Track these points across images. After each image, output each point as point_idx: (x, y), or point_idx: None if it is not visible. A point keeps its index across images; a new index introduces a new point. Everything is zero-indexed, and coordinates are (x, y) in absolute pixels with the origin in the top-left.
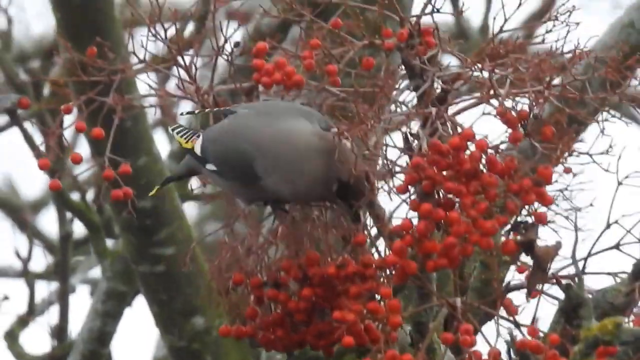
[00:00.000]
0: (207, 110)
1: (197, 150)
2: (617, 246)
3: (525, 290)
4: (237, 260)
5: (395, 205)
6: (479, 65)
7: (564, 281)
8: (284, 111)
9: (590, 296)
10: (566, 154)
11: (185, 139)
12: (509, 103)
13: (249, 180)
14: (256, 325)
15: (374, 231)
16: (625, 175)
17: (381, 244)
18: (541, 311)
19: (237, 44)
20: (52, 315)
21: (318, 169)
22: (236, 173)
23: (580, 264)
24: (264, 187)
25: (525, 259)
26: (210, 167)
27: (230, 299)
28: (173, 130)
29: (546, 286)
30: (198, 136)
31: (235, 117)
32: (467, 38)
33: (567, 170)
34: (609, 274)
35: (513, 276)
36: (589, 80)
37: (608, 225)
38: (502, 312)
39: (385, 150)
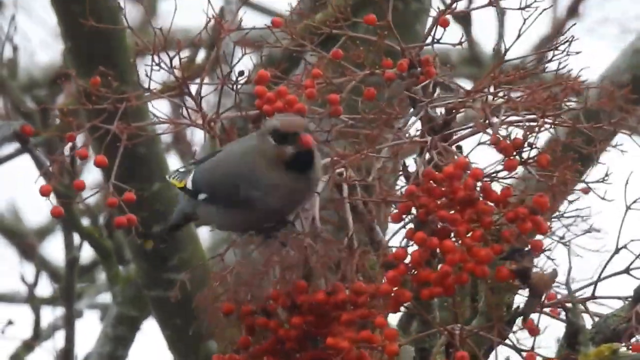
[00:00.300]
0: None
1: (189, 184)
2: (627, 270)
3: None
4: (227, 290)
5: (391, 233)
6: (479, 93)
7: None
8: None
9: (585, 322)
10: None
11: (178, 180)
12: (504, 132)
13: (239, 203)
14: (249, 354)
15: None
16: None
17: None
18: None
19: (241, 73)
20: (57, 340)
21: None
22: (226, 197)
23: (590, 289)
24: (253, 206)
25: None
26: (201, 196)
27: (222, 328)
28: (169, 177)
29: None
30: (189, 174)
31: (226, 147)
32: (481, 63)
33: (586, 191)
34: (619, 298)
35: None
36: (598, 108)
37: (617, 250)
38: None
39: (396, 178)
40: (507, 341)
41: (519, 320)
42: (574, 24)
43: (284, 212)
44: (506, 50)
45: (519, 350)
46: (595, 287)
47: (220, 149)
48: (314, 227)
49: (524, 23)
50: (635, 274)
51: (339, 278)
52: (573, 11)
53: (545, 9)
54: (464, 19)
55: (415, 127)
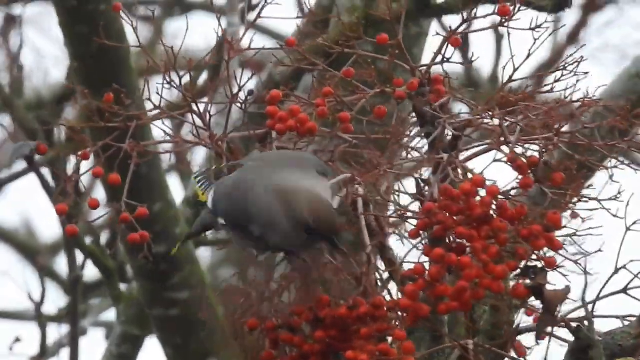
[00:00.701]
0: (222, 166)
1: (209, 204)
2: (625, 290)
3: (534, 333)
4: (251, 306)
5: (406, 249)
6: (490, 113)
7: (573, 324)
8: (279, 163)
9: (599, 338)
10: (575, 200)
11: (202, 190)
12: (519, 150)
13: (251, 237)
14: None
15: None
16: (634, 221)
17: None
18: (550, 354)
19: (250, 92)
20: (63, 357)
21: (283, 222)
22: (240, 230)
23: (590, 307)
24: (265, 241)
25: (534, 302)
26: (221, 221)
27: (245, 344)
28: (195, 177)
29: (555, 329)
30: (211, 189)
31: (240, 172)
32: (477, 87)
33: (575, 216)
34: (617, 317)
35: (522, 319)
36: (597, 127)
37: (616, 270)
38: (513, 354)
39: (398, 196)
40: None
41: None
42: (580, 47)
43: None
44: (515, 70)
45: None
46: (593, 306)
47: (241, 162)
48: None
49: (533, 43)
50: (633, 294)
51: (360, 293)
52: (573, 37)
53: (556, 30)
54: (463, 41)
55: (419, 146)
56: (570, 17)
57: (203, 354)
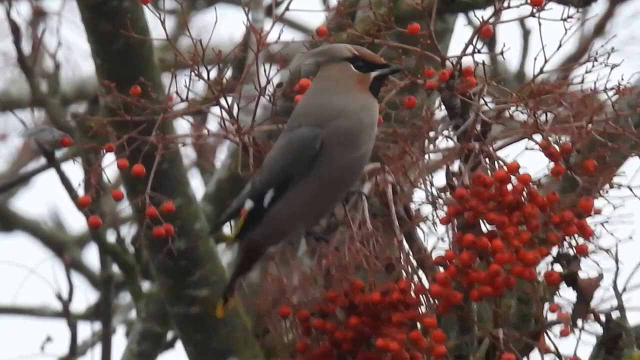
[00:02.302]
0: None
1: (247, 206)
2: None
3: (561, 326)
4: (284, 293)
5: (435, 237)
6: (524, 102)
7: (602, 315)
8: None
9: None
10: (607, 187)
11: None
12: (551, 138)
13: (308, 162)
14: (305, 357)
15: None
16: None
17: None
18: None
19: (280, 85)
20: (94, 356)
21: None
22: (295, 160)
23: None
24: (332, 154)
25: (565, 293)
26: (268, 195)
27: (269, 337)
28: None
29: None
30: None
31: None
32: (504, 82)
33: (598, 212)
34: None
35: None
36: (631, 115)
37: None
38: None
39: (431, 184)
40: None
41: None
42: (611, 38)
43: (361, 149)
44: (546, 61)
45: (560, 357)
46: (621, 294)
47: None
48: (365, 228)
49: (564, 34)
50: None
51: (393, 279)
52: (600, 29)
53: (584, 22)
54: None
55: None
56: (597, 8)
57: (224, 352)
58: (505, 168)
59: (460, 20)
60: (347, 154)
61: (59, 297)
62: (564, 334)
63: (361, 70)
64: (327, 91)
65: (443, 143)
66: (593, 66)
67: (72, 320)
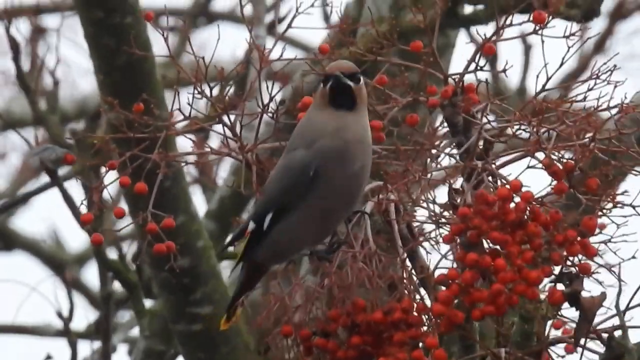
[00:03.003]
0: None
1: (251, 224)
2: None
3: (564, 344)
4: (285, 313)
5: (437, 255)
6: (527, 119)
7: (604, 334)
8: None
9: (633, 346)
10: (610, 206)
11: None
12: (554, 156)
13: (309, 186)
14: None
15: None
16: None
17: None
18: None
19: (282, 102)
20: None
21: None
22: (295, 184)
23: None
24: (325, 178)
25: (566, 311)
26: (269, 216)
27: (271, 356)
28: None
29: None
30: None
31: None
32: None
33: (602, 227)
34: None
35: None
36: (633, 133)
37: None
38: None
39: (434, 202)
40: None
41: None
42: (613, 56)
43: (355, 165)
44: (548, 78)
45: None
46: (624, 313)
47: None
48: (368, 247)
49: (567, 52)
50: None
51: (395, 298)
52: (600, 46)
53: (587, 39)
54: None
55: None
56: (597, 25)
57: None
58: (508, 186)
59: (462, 35)
60: (340, 172)
61: (60, 315)
62: (568, 350)
63: (323, 85)
64: (312, 112)
65: (445, 160)
66: (595, 83)
67: (72, 338)
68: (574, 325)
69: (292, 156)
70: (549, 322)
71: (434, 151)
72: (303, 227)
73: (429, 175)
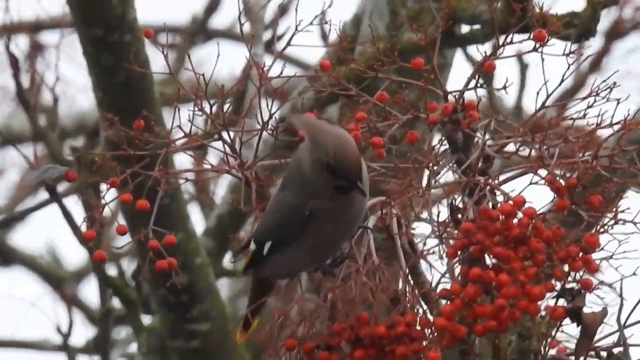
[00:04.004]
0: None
1: (252, 247)
2: None
3: None
4: (288, 327)
5: (439, 271)
6: (530, 137)
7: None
8: None
9: None
10: (611, 223)
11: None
12: (557, 172)
13: (301, 223)
14: None
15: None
16: None
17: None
18: None
19: (282, 119)
20: None
21: (307, 162)
22: (286, 223)
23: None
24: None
25: (567, 327)
26: (267, 246)
27: None
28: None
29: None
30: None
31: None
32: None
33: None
34: None
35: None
36: (635, 151)
37: None
38: None
39: (437, 218)
40: None
41: None
42: (613, 74)
43: (351, 212)
44: (548, 96)
45: None
46: (623, 327)
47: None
48: (371, 262)
49: (567, 69)
50: None
51: (398, 312)
52: (596, 64)
53: (585, 58)
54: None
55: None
56: (593, 45)
57: None
58: (511, 202)
59: (459, 55)
60: (336, 221)
61: (59, 331)
62: None
63: (338, 191)
64: (305, 169)
65: (445, 177)
66: (595, 101)
67: (71, 353)
68: (569, 344)
69: (285, 200)
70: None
71: (434, 168)
72: (301, 257)
73: (431, 191)
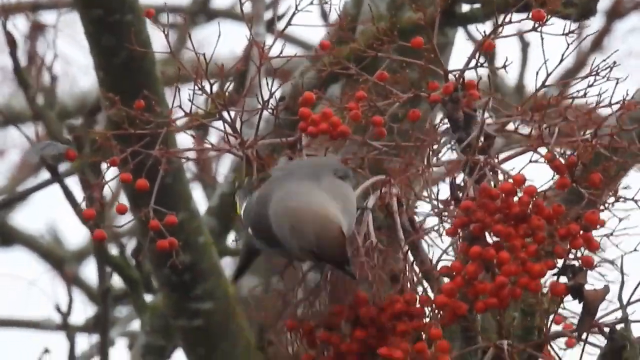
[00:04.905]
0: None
1: (242, 214)
2: None
3: (565, 338)
4: (289, 307)
5: (439, 249)
6: (529, 115)
7: (606, 328)
8: (297, 172)
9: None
10: (612, 200)
11: (240, 201)
12: (556, 151)
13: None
14: None
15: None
16: None
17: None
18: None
19: (282, 98)
20: None
21: (293, 244)
22: (269, 242)
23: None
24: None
25: (569, 305)
26: (250, 232)
27: (273, 350)
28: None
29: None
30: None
31: (265, 184)
32: (501, 94)
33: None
34: None
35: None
36: (635, 130)
37: None
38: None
39: (436, 196)
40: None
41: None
42: (613, 52)
43: None
44: (548, 74)
45: None
46: (627, 306)
47: (271, 171)
48: (370, 241)
49: (566, 48)
50: None
51: (397, 290)
52: (597, 44)
53: (584, 37)
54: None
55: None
56: (594, 24)
57: None
58: (511, 180)
59: (460, 34)
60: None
61: (58, 310)
62: (569, 345)
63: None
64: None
65: (446, 156)
66: (595, 80)
67: (70, 332)
68: (574, 320)
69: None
70: (551, 317)
71: (435, 147)
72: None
73: (431, 169)
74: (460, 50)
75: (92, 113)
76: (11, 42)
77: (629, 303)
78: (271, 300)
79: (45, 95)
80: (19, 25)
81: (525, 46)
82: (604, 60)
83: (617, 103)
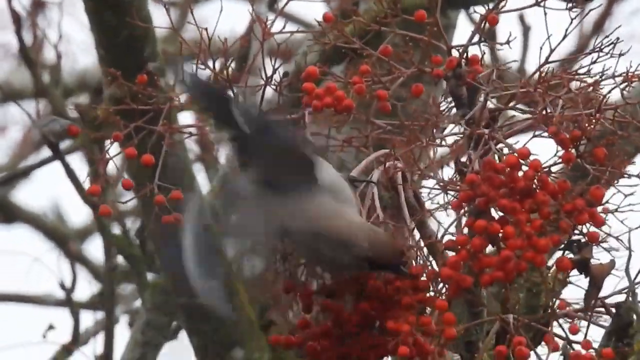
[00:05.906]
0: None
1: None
2: None
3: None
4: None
5: (444, 222)
6: (533, 87)
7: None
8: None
9: None
10: (617, 176)
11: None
12: (561, 125)
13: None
14: (305, 335)
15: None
16: None
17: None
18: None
19: (286, 74)
20: (97, 344)
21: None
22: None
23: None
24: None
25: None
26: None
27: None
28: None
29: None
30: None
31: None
32: (503, 77)
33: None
34: None
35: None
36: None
37: None
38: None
39: (441, 170)
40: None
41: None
42: (615, 29)
43: None
44: (552, 50)
45: (571, 342)
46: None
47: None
48: (376, 216)
49: (570, 24)
50: None
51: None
52: (599, 26)
53: (593, 9)
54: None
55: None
56: (595, 6)
57: (229, 344)
58: (515, 154)
59: (463, 16)
60: None
61: (62, 286)
62: (573, 331)
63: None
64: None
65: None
66: (598, 57)
67: (74, 308)
68: (578, 306)
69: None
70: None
71: (438, 123)
72: None
73: (436, 142)
74: (463, 34)
75: (98, 91)
76: (16, 20)
77: (636, 276)
78: (272, 279)
79: (51, 73)
80: (22, 1)
81: (526, 29)
82: (607, 37)
83: (619, 75)
